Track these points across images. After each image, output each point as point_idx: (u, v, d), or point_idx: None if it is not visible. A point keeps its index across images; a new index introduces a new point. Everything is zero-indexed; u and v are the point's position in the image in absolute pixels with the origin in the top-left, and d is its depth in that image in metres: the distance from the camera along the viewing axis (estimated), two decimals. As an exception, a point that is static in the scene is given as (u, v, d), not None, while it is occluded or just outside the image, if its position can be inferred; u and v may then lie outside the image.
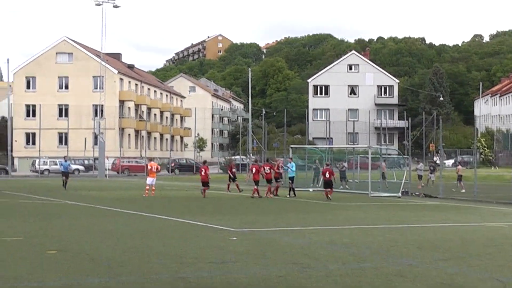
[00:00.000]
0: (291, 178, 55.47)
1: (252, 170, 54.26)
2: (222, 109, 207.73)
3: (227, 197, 51.98)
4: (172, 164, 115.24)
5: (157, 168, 56.12)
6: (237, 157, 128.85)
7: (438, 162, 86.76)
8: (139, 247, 22.81)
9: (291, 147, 73.98)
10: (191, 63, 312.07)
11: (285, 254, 21.73)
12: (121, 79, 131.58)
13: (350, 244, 24.48)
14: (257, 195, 50.61)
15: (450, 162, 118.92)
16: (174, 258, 20.37)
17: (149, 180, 51.76)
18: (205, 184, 52.18)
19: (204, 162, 60.96)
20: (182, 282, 16.53)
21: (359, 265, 19.92)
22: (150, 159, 59.98)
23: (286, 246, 23.64)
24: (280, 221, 33.30)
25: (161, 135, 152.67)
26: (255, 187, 51.53)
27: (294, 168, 56.57)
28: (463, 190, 57.69)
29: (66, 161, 51.32)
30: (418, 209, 42.06)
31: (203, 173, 53.06)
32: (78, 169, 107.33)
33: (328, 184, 50.32)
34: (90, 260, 19.83)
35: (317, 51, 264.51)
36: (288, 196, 52.62)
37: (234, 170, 59.81)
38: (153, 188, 51.34)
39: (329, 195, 49.50)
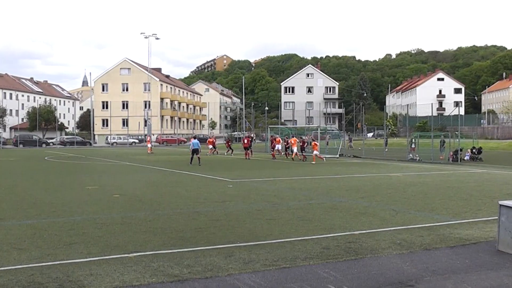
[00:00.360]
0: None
1: (244, 141, 54.25)
2: (226, 102, 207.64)
3: (226, 159, 51.89)
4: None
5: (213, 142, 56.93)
6: (236, 132, 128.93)
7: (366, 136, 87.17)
8: (170, 192, 22.95)
9: (269, 127, 74.08)
10: (207, 73, 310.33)
11: (262, 196, 21.86)
12: (161, 84, 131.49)
13: (303, 189, 24.61)
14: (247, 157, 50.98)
15: (370, 134, 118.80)
16: (192, 199, 20.52)
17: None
18: (247, 148, 52.03)
19: (248, 134, 60.84)
20: (196, 214, 16.72)
21: (309, 202, 20.05)
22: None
23: (263, 191, 23.72)
24: (260, 174, 33.32)
25: (187, 119, 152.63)
26: (247, 151, 52.17)
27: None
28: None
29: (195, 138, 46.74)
30: (347, 165, 42.06)
31: (245, 141, 53.12)
32: (134, 142, 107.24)
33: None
34: (139, 201, 19.97)
35: (287, 64, 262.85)
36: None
37: (230, 143, 59.30)
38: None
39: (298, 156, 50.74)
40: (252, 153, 53.28)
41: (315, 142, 51.25)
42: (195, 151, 42.22)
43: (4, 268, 10.16)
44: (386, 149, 59.71)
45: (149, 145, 68.66)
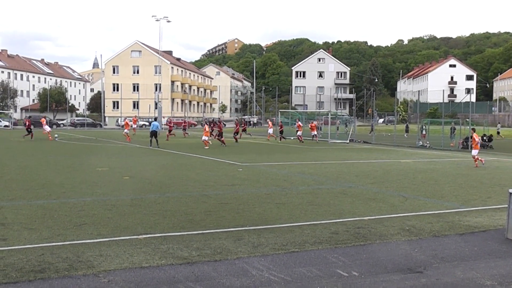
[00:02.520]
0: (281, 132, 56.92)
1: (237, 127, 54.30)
2: (237, 86, 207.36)
3: (234, 143, 51.90)
4: (204, 121, 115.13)
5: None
6: (246, 116, 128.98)
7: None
8: (180, 175, 23.01)
9: (280, 111, 74.19)
10: (217, 56, 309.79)
11: (271, 180, 21.90)
12: (172, 67, 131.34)
13: (313, 173, 24.63)
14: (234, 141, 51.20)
15: (381, 120, 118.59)
16: (201, 182, 20.58)
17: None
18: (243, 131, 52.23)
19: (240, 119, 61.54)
20: (205, 197, 16.76)
21: (318, 187, 20.09)
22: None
23: (272, 175, 23.78)
24: (270, 159, 33.32)
25: (198, 102, 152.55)
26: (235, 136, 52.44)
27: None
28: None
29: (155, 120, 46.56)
30: (357, 151, 42.02)
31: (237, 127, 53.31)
32: (144, 124, 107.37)
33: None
34: (149, 183, 20.05)
35: (299, 49, 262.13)
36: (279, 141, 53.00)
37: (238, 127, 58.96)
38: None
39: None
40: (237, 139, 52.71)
41: (299, 124, 55.46)
42: (154, 133, 42.32)
43: (15, 247, 10.24)
44: (406, 135, 59.95)
45: (134, 125, 71.26)
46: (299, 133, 53.87)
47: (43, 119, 60.00)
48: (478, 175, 25.23)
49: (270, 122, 61.76)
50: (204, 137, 43.34)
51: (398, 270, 9.31)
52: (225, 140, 46.34)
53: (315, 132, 55.05)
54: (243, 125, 63.82)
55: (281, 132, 55.76)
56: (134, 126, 71.19)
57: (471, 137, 31.58)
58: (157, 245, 10.56)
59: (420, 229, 12.52)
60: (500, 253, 10.71)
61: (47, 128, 56.01)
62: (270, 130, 59.00)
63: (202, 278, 8.63)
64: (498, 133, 50.09)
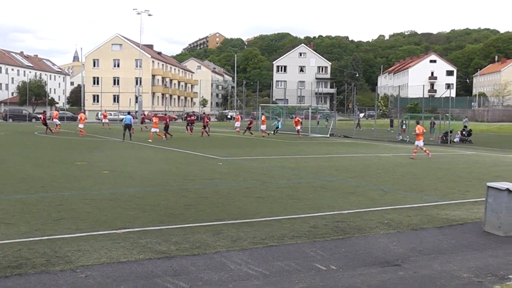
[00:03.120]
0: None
1: (204, 120, 54.01)
2: (218, 80, 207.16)
3: (216, 137, 51.83)
4: (185, 115, 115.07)
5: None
6: (227, 111, 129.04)
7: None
8: (160, 169, 22.95)
9: (261, 105, 74.15)
10: (199, 50, 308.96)
11: (252, 174, 21.92)
12: (153, 61, 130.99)
13: (293, 168, 24.67)
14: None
15: (361, 115, 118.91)
16: (182, 176, 20.57)
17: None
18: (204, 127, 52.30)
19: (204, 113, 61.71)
20: (185, 191, 16.74)
21: (298, 181, 20.13)
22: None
23: (253, 169, 23.79)
24: (250, 152, 33.31)
25: (178, 96, 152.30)
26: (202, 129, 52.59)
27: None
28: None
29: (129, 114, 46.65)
30: (338, 145, 42.16)
31: (206, 119, 53.28)
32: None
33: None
34: (129, 177, 20.00)
35: (280, 43, 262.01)
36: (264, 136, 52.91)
37: (207, 120, 57.15)
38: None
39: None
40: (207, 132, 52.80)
41: (264, 118, 56.76)
42: (127, 127, 42.94)
43: (-8, 242, 10.17)
44: (391, 130, 60.27)
45: (105, 120, 72.21)
46: (298, 127, 54.43)
47: (56, 112, 59.66)
48: (457, 169, 25.41)
49: (238, 116, 63.76)
50: (153, 129, 44.76)
51: (376, 264, 9.35)
52: (205, 132, 49.82)
53: (299, 127, 55.11)
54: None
55: (249, 127, 55.53)
56: (105, 120, 71.82)
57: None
58: (135, 239, 10.54)
59: (399, 223, 12.59)
60: (478, 245, 10.80)
61: (57, 121, 57.00)
62: (237, 123, 60.14)
63: (181, 273, 8.62)
64: (466, 127, 50.52)
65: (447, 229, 12.19)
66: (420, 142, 31.55)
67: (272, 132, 57.13)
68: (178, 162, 26.13)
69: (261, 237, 10.90)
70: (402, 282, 8.36)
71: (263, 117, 58.32)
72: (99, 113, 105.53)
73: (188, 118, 57.71)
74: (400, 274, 8.81)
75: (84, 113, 57.83)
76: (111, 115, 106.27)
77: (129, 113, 46.51)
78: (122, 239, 10.52)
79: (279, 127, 59.34)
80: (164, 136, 45.78)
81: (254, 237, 10.92)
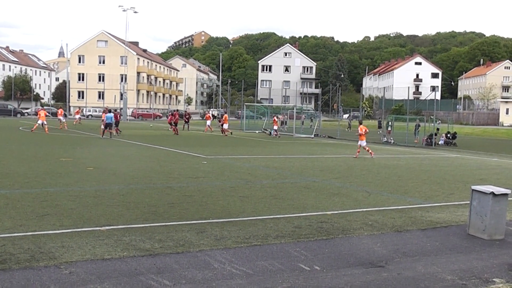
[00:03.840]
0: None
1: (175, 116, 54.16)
2: (203, 79, 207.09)
3: (200, 135, 51.77)
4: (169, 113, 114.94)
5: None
6: (211, 109, 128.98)
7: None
8: (144, 167, 22.90)
9: (246, 104, 74.14)
10: (184, 48, 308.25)
11: (236, 173, 21.93)
12: (138, 58, 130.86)
13: (277, 167, 24.69)
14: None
15: (345, 116, 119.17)
16: (165, 174, 20.53)
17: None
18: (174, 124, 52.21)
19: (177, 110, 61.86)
20: (169, 189, 16.72)
21: (282, 181, 20.15)
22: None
23: (237, 168, 23.79)
24: (234, 151, 33.34)
25: (163, 94, 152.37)
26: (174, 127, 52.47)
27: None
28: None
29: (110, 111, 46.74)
30: (322, 146, 42.23)
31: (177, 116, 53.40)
32: (90, 115, 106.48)
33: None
34: (113, 174, 19.94)
35: (265, 43, 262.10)
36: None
37: (177, 118, 55.03)
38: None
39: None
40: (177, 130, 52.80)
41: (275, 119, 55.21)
42: (108, 125, 42.88)
43: (-25, 237, 10.12)
44: (380, 132, 60.57)
45: (77, 116, 71.56)
46: (275, 127, 54.04)
47: (61, 110, 58.60)
48: (441, 171, 25.48)
49: (208, 115, 64.12)
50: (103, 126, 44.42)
51: (360, 264, 9.38)
52: (178, 130, 50.86)
53: (276, 127, 54.68)
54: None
55: (222, 125, 55.02)
56: (77, 116, 71.34)
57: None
58: (119, 236, 10.52)
59: (383, 224, 12.63)
60: (462, 248, 10.86)
61: (62, 118, 56.42)
62: (208, 122, 60.28)
63: (164, 270, 8.62)
64: (438, 129, 50.79)
65: (431, 231, 12.24)
66: (363, 142, 32.22)
67: (269, 132, 56.95)
68: (162, 160, 26.07)
69: (245, 237, 10.91)
70: (386, 284, 8.40)
71: (274, 118, 57.54)
72: (84, 109, 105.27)
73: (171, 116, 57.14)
74: (383, 275, 8.85)
75: (44, 109, 56.77)
76: (95, 111, 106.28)
77: (110, 111, 46.03)
78: (106, 236, 10.50)
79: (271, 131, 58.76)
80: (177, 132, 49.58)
81: (238, 236, 10.93)
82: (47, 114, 56.54)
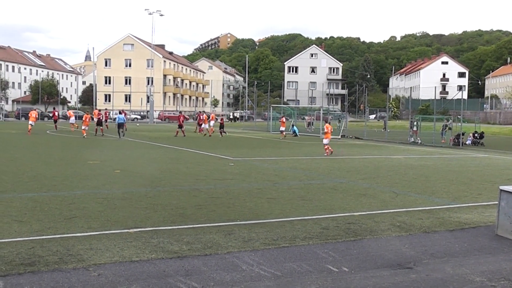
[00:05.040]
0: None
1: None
2: (229, 81, 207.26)
3: (227, 137, 51.80)
4: (197, 115, 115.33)
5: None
6: (238, 111, 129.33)
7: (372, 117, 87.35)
8: (171, 169, 23.00)
9: (272, 106, 74.15)
10: (210, 50, 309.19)
11: (263, 174, 21.91)
12: (165, 61, 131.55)
13: (304, 169, 24.66)
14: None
15: (372, 116, 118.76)
16: (192, 176, 20.57)
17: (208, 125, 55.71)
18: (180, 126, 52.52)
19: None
20: (196, 191, 16.75)
21: (309, 182, 20.11)
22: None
23: (264, 169, 23.78)
24: (261, 153, 33.32)
25: (190, 96, 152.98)
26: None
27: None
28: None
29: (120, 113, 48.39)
30: (349, 147, 42.13)
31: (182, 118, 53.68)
32: (136, 118, 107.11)
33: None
34: (140, 177, 20.02)
35: (291, 44, 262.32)
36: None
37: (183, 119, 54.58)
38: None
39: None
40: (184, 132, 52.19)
41: (283, 120, 55.66)
42: (120, 126, 46.03)
43: (5, 240, 10.21)
44: (389, 131, 60.03)
45: (72, 120, 61.33)
46: (282, 128, 53.87)
47: (70, 112, 58.94)
48: (469, 172, 25.29)
49: (212, 115, 62.18)
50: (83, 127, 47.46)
51: (388, 266, 9.33)
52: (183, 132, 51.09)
53: (283, 128, 54.16)
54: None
55: (222, 126, 54.26)
56: (72, 120, 61.55)
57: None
58: (147, 239, 10.55)
59: (411, 225, 12.55)
60: (490, 249, 10.74)
61: (72, 119, 57.24)
62: (206, 125, 59.01)
63: (192, 273, 8.62)
64: (450, 129, 50.48)
65: (459, 232, 12.14)
66: (326, 140, 33.69)
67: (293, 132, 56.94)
68: (189, 162, 26.14)
69: (272, 238, 10.89)
70: (414, 285, 8.33)
71: (282, 119, 57.34)
72: (111, 112, 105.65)
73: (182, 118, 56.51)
74: (412, 277, 8.78)
75: (35, 111, 57.05)
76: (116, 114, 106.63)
77: (120, 112, 48.72)
78: (134, 238, 10.54)
79: (296, 131, 58.43)
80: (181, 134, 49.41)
81: (265, 238, 10.92)
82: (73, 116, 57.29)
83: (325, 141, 33.77)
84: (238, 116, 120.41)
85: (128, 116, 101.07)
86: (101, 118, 51.79)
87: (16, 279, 8.06)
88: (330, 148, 33.23)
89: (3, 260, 8.89)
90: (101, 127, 50.53)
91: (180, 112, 63.43)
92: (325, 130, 34.02)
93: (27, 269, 8.50)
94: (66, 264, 8.80)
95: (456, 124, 51.45)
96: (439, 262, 9.65)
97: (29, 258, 9.08)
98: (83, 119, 49.60)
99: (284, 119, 55.78)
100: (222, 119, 57.26)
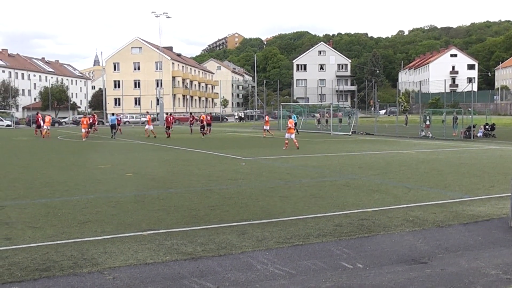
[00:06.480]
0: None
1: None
2: (238, 80, 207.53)
3: (237, 137, 51.84)
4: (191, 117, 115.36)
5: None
6: (248, 110, 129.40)
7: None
8: (182, 170, 23.03)
9: (282, 104, 74.15)
10: (218, 51, 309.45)
11: (275, 173, 21.92)
12: (173, 63, 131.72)
13: (316, 166, 24.64)
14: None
15: (382, 111, 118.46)
16: (204, 177, 20.58)
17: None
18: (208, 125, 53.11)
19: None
20: (209, 192, 16.77)
21: (321, 179, 20.10)
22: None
23: (275, 168, 23.80)
24: (272, 152, 33.26)
25: (199, 97, 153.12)
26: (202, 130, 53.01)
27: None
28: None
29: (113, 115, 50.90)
30: (360, 143, 42.04)
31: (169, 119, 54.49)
32: (147, 121, 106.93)
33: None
34: (152, 179, 20.06)
35: (299, 42, 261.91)
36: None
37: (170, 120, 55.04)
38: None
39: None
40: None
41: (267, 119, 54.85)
42: (113, 126, 50.37)
43: (19, 246, 10.25)
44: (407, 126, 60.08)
45: (46, 127, 55.75)
46: (265, 127, 52.87)
47: (83, 119, 55.48)
48: (481, 164, 25.22)
49: (203, 116, 61.60)
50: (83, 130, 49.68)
51: (402, 261, 9.31)
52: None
53: (267, 127, 53.07)
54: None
55: (203, 126, 53.32)
56: (46, 127, 55.61)
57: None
58: (161, 241, 10.57)
59: (424, 220, 12.52)
60: (504, 241, 10.70)
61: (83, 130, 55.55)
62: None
63: (207, 273, 8.64)
64: (443, 121, 50.39)
65: (473, 225, 12.10)
66: (292, 135, 35.99)
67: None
68: (200, 163, 26.17)
69: (286, 237, 10.89)
70: (430, 280, 8.32)
71: (266, 118, 56.63)
72: (121, 115, 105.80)
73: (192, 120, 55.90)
74: (427, 271, 8.77)
75: (49, 116, 58.43)
76: (132, 117, 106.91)
77: (113, 114, 53.16)
78: (148, 241, 10.57)
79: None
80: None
81: (279, 236, 10.92)
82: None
83: (291, 136, 35.90)
84: (242, 116, 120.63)
85: (137, 119, 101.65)
86: (91, 121, 55.70)
87: (32, 284, 8.10)
88: (288, 143, 35.85)
89: (18, 266, 8.94)
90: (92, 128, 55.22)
91: (170, 113, 63.34)
92: (289, 125, 36.20)
93: (42, 274, 8.53)
94: (81, 269, 8.83)
95: (466, 117, 51.29)
96: (453, 256, 9.62)
97: (44, 263, 9.11)
98: (81, 122, 51.24)
99: (268, 118, 55.12)
100: (202, 118, 56.27)
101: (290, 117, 37.88)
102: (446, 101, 70.78)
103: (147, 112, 65.00)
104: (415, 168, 23.48)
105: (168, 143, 41.84)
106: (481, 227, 11.94)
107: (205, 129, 52.94)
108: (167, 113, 61.23)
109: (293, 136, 35.89)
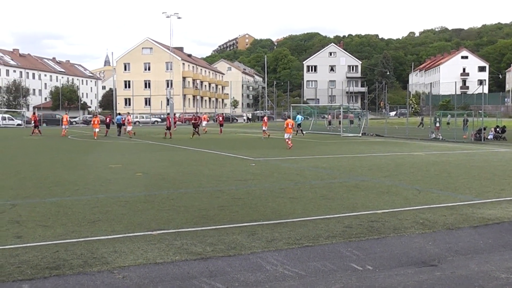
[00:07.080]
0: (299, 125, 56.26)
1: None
2: (248, 81, 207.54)
3: (247, 138, 51.82)
4: (217, 116, 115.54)
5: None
6: (258, 111, 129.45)
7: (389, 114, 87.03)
8: (192, 171, 23.04)
9: (292, 105, 74.19)
10: (228, 52, 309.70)
11: (285, 174, 21.91)
12: (183, 64, 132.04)
13: (326, 167, 24.62)
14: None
15: (392, 113, 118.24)
16: (214, 178, 20.58)
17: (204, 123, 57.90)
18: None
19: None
20: (219, 192, 16.78)
21: (331, 180, 20.08)
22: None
23: (285, 169, 23.78)
24: (282, 153, 33.27)
25: (209, 98, 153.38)
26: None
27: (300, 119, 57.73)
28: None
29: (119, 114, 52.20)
30: (370, 144, 41.97)
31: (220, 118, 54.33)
32: (157, 121, 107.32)
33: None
34: (162, 179, 20.08)
35: (310, 43, 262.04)
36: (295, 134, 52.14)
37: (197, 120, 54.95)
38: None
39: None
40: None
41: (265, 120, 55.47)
42: (119, 125, 53.77)
43: (30, 244, 10.29)
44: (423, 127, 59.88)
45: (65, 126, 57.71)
46: (264, 128, 53.02)
47: (94, 118, 55.01)
48: (491, 167, 25.13)
49: (204, 116, 64.11)
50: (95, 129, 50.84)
51: (412, 264, 9.29)
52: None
53: (265, 128, 53.03)
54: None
55: (195, 125, 52.84)
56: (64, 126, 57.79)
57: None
58: (171, 241, 10.58)
59: (434, 222, 12.48)
60: (515, 245, 10.67)
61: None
62: (204, 123, 59.47)
63: (217, 274, 8.64)
64: (448, 123, 50.36)
65: (483, 228, 12.06)
66: (288, 135, 37.01)
67: (301, 132, 56.59)
68: (211, 163, 26.18)
69: (296, 238, 10.88)
70: (440, 283, 8.29)
71: (265, 118, 56.47)
72: (131, 116, 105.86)
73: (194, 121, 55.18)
74: (437, 274, 8.74)
75: (66, 115, 59.00)
76: (143, 117, 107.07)
77: (119, 114, 56.88)
78: (158, 241, 10.58)
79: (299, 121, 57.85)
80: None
81: (289, 237, 10.91)
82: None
83: (288, 135, 36.86)
84: (250, 117, 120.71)
85: (148, 119, 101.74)
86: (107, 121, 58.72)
87: (42, 282, 8.12)
88: (290, 143, 36.47)
89: (29, 264, 8.96)
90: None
91: (168, 114, 63.21)
92: (288, 126, 37.07)
93: (52, 272, 8.56)
94: (91, 267, 8.85)
95: (477, 119, 51.15)
96: (463, 259, 9.59)
97: (54, 261, 9.14)
98: (92, 122, 52.35)
99: (266, 119, 55.30)
100: (193, 118, 56.15)
101: (289, 117, 38.21)
102: (457, 103, 70.59)
103: (128, 113, 65.30)
104: (425, 170, 23.42)
105: (178, 143, 41.84)
106: (491, 230, 11.89)
107: (197, 129, 52.21)
108: (168, 114, 61.20)
109: (290, 136, 37.02)
